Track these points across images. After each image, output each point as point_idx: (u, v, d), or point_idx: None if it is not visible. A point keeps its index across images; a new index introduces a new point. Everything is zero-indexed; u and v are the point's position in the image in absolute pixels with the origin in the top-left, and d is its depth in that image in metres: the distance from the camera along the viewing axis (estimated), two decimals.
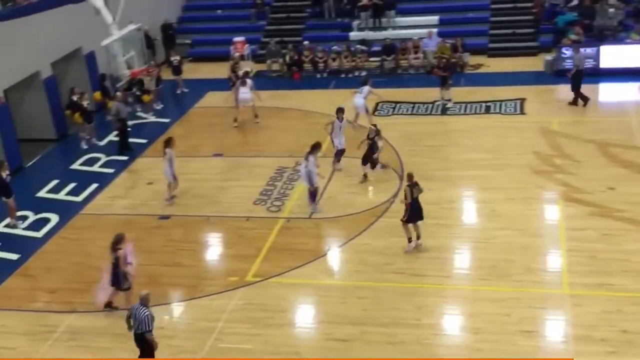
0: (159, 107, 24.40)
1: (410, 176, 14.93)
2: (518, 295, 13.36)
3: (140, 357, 11.80)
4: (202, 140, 21.35)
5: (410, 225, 14.90)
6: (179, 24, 30.28)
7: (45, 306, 14.30)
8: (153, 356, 11.80)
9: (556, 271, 14.13)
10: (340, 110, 18.53)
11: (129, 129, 21.53)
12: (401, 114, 22.37)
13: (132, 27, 24.55)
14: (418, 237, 14.98)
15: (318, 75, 26.45)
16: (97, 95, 23.03)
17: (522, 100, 22.40)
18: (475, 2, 28.85)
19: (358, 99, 20.87)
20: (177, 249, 15.89)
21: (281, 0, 30.45)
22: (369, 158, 17.74)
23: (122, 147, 21.07)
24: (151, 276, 14.42)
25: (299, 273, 14.63)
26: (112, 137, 21.88)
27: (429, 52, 25.82)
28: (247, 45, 27.95)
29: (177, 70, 25.78)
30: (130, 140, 21.39)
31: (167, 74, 25.92)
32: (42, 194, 19.06)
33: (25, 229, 17.33)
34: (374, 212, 16.56)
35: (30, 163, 21.06)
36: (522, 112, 21.73)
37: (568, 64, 23.12)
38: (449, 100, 22.58)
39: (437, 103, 22.68)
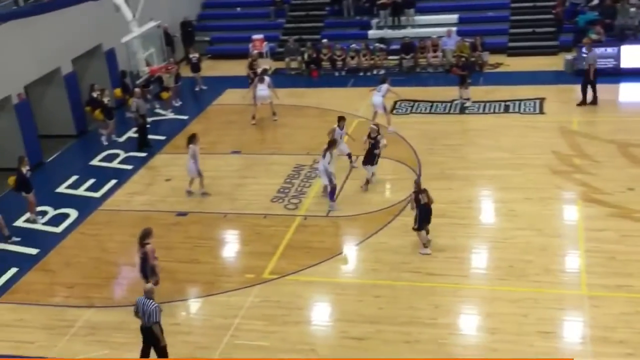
0: (178, 104, 24.51)
1: (417, 184, 14.94)
2: (536, 296, 13.28)
3: (145, 348, 11.93)
4: (220, 137, 21.41)
5: (423, 231, 14.84)
6: (198, 22, 30.38)
7: (63, 301, 14.43)
8: (163, 348, 11.88)
9: (574, 272, 14.04)
10: (342, 119, 18.30)
11: (148, 126, 21.64)
12: (419, 113, 22.30)
13: (152, 24, 24.63)
14: (426, 244, 14.94)
15: (336, 74, 26.42)
16: (118, 92, 23.15)
17: (542, 99, 22.25)
18: (495, 0, 28.69)
19: (376, 97, 20.83)
20: (194, 245, 15.95)
21: None
22: (370, 158, 17.37)
23: (141, 143, 21.18)
24: (168, 272, 14.47)
25: (316, 271, 14.64)
26: (131, 133, 22.02)
27: (448, 50, 25.72)
28: (265, 43, 27.98)
29: (195, 67, 25.88)
30: (149, 137, 21.49)
31: (186, 71, 26.03)
32: (61, 189, 19.21)
33: (44, 224, 17.49)
34: (391, 211, 16.54)
35: (50, 159, 21.24)
36: (541, 112, 21.58)
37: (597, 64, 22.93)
38: (468, 99, 22.48)
39: (455, 102, 22.60)
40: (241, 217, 17.00)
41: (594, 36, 24.44)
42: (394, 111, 22.18)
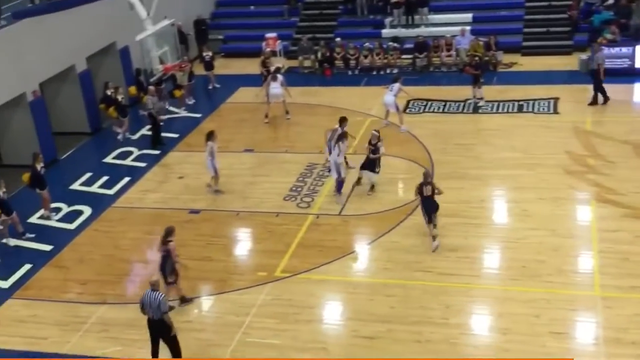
0: (191, 102, 24.58)
1: (425, 175, 15.18)
2: (548, 297, 13.23)
3: (154, 347, 12.04)
4: (233, 135, 21.46)
5: (430, 224, 14.92)
6: (212, 20, 30.44)
7: (76, 297, 14.52)
8: (174, 338, 11.97)
9: (587, 273, 13.98)
10: (344, 120, 18.22)
11: (161, 124, 21.74)
12: (432, 112, 22.25)
13: (166, 22, 24.73)
14: (434, 227, 15.07)
15: (349, 72, 26.40)
16: (133, 89, 23.23)
17: (556, 99, 22.15)
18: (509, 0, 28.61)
19: (388, 96, 20.80)
20: (206, 243, 16.00)
21: None
22: (368, 164, 17.27)
23: (155, 141, 21.27)
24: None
25: (328, 269, 14.66)
26: (145, 131, 22.11)
27: (461, 50, 25.64)
28: (279, 42, 28.00)
29: (209, 65, 25.94)
30: (162, 134, 21.58)
31: (199, 70, 26.10)
32: (75, 186, 19.32)
33: (58, 220, 17.59)
34: (403, 210, 16.52)
35: (65, 156, 21.36)
36: (555, 112, 21.48)
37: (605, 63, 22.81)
38: (481, 98, 22.40)
39: (469, 101, 22.53)
40: (253, 215, 17.04)
41: (609, 36, 24.32)
42: (407, 110, 22.14)
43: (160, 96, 22.88)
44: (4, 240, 16.62)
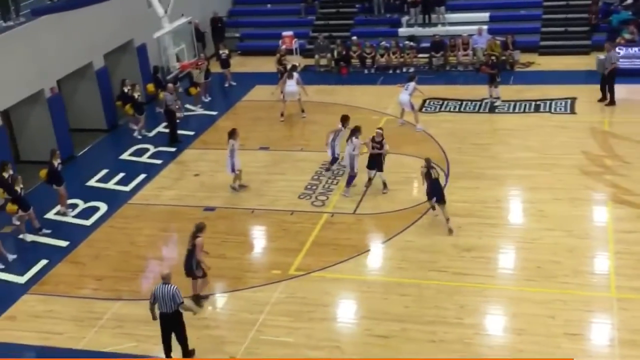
0: (207, 99, 24.65)
1: (427, 160, 15.68)
2: (563, 297, 13.16)
3: (167, 344, 12.12)
4: (249, 133, 21.48)
5: (438, 207, 15.46)
6: (229, 18, 30.51)
7: (92, 293, 14.60)
8: (185, 336, 12.06)
9: (603, 274, 13.89)
10: (346, 119, 18.26)
11: (178, 121, 21.83)
12: (448, 111, 22.18)
13: (183, 20, 24.81)
14: (447, 220, 15.37)
15: (366, 71, 26.38)
16: (151, 87, 23.30)
17: (573, 99, 22.02)
18: None
19: (403, 95, 20.78)
20: (221, 240, 16.03)
21: None
22: (372, 162, 17.33)
23: (172, 138, 21.36)
24: None
25: (342, 268, 14.66)
26: (161, 128, 22.21)
27: (478, 49, 25.54)
28: (295, 40, 28.02)
29: (225, 63, 25.99)
30: (178, 132, 21.66)
31: (215, 68, 26.16)
32: (92, 182, 19.43)
33: (75, 216, 17.69)
34: (418, 209, 16.48)
35: (81, 152, 21.48)
36: (572, 112, 21.36)
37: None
38: (498, 98, 22.30)
39: (485, 101, 22.44)
40: (268, 213, 17.07)
41: (627, 36, 24.16)
42: (423, 109, 22.10)
43: (177, 93, 22.96)
44: (21, 236, 16.75)
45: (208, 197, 18.01)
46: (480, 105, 22.30)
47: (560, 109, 21.54)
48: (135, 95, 22.00)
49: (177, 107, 21.69)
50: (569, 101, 21.93)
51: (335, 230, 16.08)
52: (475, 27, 26.25)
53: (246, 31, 30.28)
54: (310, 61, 27.41)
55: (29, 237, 16.73)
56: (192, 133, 22.02)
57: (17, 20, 19.53)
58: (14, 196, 16.42)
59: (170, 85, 22.16)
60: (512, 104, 22.16)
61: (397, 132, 20.30)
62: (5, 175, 16.66)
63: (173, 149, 21.02)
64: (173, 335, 12.14)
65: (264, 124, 22.29)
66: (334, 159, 18.46)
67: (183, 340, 12.15)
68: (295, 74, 22.23)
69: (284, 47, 26.75)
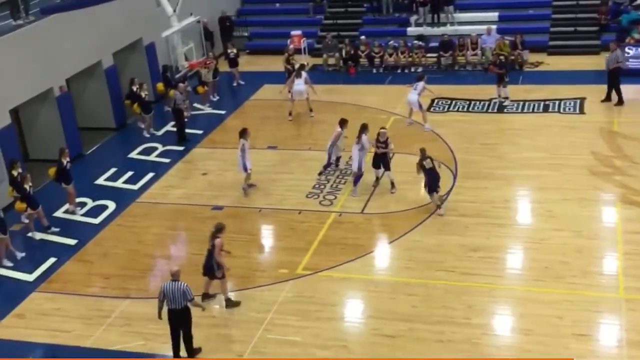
0: (216, 98, 24.69)
1: (421, 151, 16.10)
2: (571, 298, 13.13)
3: (175, 342, 12.15)
4: (257, 132, 21.45)
5: (435, 194, 15.91)
6: (237, 17, 30.55)
7: (100, 291, 14.65)
8: (191, 334, 12.11)
9: (612, 274, 13.85)
10: (344, 122, 18.26)
11: (186, 120, 21.88)
12: (457, 111, 22.15)
13: (191, 19, 24.86)
14: (439, 205, 16.09)
15: (374, 71, 26.37)
16: (160, 86, 23.34)
17: (582, 99, 21.96)
18: None
19: (412, 95, 20.75)
20: (229, 239, 15.87)
21: None
22: (378, 161, 17.41)
23: (180, 137, 21.40)
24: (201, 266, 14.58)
25: (349, 267, 14.66)
26: (169, 127, 22.25)
27: (487, 49, 25.48)
28: (304, 39, 28.03)
29: (233, 62, 26.02)
30: (187, 130, 21.70)
31: (224, 66, 26.19)
32: (100, 181, 19.48)
33: (83, 215, 17.74)
34: (426, 209, 16.46)
35: (90, 151, 21.55)
36: (581, 112, 21.30)
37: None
38: (506, 98, 22.25)
39: (493, 101, 22.40)
40: (276, 213, 17.08)
41: (637, 35, 24.10)
42: (431, 109, 22.07)
43: (186, 93, 23.00)
44: (30, 234, 16.83)
45: (216, 196, 18.04)
46: (489, 105, 22.25)
47: (569, 109, 21.48)
48: (143, 94, 22.03)
49: (184, 106, 21.76)
50: (578, 101, 21.86)
51: (342, 230, 16.08)
52: (484, 27, 26.20)
53: (254, 30, 30.31)
54: (318, 60, 27.42)
55: (38, 235, 16.80)
56: (200, 132, 22.06)
57: (26, 19, 19.61)
58: (23, 194, 16.49)
59: (181, 85, 22.23)
60: (521, 103, 22.11)
61: (405, 132, 20.29)
62: (15, 173, 16.77)
63: (181, 148, 21.06)
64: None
65: (272, 123, 22.30)
66: (329, 164, 18.46)
67: (189, 338, 12.17)
68: (304, 73, 22.23)
69: (292, 46, 26.76)
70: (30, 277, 15.31)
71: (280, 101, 23.08)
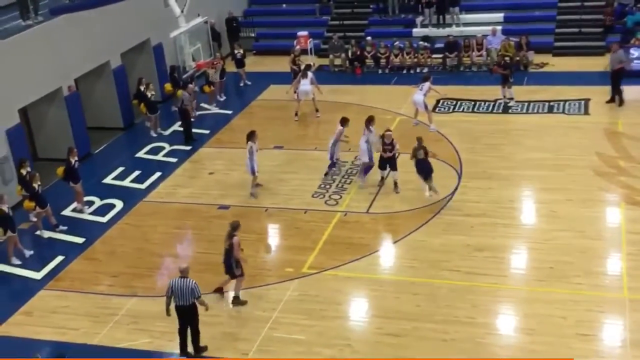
0: (222, 99, 24.81)
1: (418, 140, 16.71)
2: (576, 298, 13.20)
3: (182, 334, 12.30)
4: (263, 132, 21.47)
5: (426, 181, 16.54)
6: (244, 18, 30.66)
7: (107, 289, 14.77)
8: (198, 330, 12.25)
9: (616, 275, 13.91)
10: (345, 120, 18.38)
11: (193, 120, 21.99)
12: (462, 112, 22.22)
13: (199, 19, 24.98)
14: (430, 189, 16.69)
15: (380, 71, 26.45)
16: (168, 86, 23.43)
17: (587, 100, 22.00)
18: None
19: (417, 95, 20.83)
20: None
21: None
22: (384, 163, 17.52)
23: (187, 137, 21.52)
24: (209, 264, 14.71)
25: (354, 267, 14.75)
26: (177, 127, 22.37)
27: (492, 49, 25.53)
28: (310, 40, 28.12)
29: (240, 63, 26.14)
30: (194, 130, 21.82)
31: (231, 67, 26.31)
32: (108, 180, 19.62)
33: (91, 213, 17.88)
34: (430, 209, 16.55)
35: (98, 150, 21.68)
36: (586, 113, 21.35)
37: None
38: (511, 99, 22.32)
39: (499, 101, 22.46)
40: (282, 212, 17.18)
41: None
42: (436, 109, 22.14)
43: (194, 93, 23.12)
44: (38, 232, 16.97)
45: (222, 195, 18.15)
46: (494, 106, 22.32)
47: (574, 110, 21.53)
48: (149, 94, 22.12)
49: (191, 107, 21.87)
50: (583, 102, 21.91)
51: (348, 229, 16.17)
52: (489, 28, 26.26)
53: (261, 31, 30.43)
54: (324, 61, 27.50)
55: (46, 234, 16.95)
56: (207, 132, 22.18)
57: (35, 20, 19.74)
58: (32, 193, 16.63)
59: (190, 85, 22.35)
60: (526, 104, 22.17)
61: (410, 133, 20.33)
62: (23, 172, 16.91)
63: (188, 148, 21.18)
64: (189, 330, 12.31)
65: (278, 123, 22.40)
66: (333, 163, 18.56)
67: (196, 334, 12.29)
68: (310, 74, 22.32)
69: (298, 47, 26.85)
70: (38, 275, 15.45)
71: (286, 101, 23.18)
